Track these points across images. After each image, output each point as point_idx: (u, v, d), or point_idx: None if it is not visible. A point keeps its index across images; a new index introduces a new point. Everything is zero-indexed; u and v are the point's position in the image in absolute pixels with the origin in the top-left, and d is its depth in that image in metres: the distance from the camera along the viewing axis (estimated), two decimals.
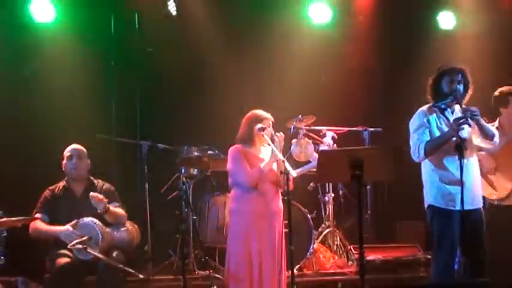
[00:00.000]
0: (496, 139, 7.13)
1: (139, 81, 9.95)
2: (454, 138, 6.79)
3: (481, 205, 7.11)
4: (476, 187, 7.08)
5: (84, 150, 7.87)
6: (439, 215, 7.08)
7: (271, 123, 7.48)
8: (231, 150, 7.44)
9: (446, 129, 6.96)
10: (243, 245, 7.24)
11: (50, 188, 7.78)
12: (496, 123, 7.83)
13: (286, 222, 7.70)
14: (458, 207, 6.86)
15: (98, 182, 7.87)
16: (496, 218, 7.72)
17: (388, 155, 6.92)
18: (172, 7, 9.92)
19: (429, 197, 7.14)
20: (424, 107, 7.14)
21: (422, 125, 7.05)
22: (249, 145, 7.44)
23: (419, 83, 7.26)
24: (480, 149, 7.24)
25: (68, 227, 7.35)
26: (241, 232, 7.28)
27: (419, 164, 7.18)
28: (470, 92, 7.00)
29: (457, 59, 7.60)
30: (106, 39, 9.91)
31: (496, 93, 7.92)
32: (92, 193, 7.44)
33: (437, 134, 7.02)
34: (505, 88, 7.91)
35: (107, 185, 7.89)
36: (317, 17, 10.09)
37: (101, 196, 7.43)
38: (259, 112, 7.51)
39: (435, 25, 10.36)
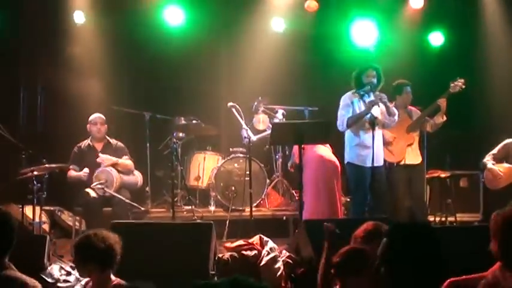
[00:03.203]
0: (396, 117, 7.40)
1: (144, 68, 9.92)
2: (369, 116, 7.04)
3: (382, 163, 7.42)
4: (380, 151, 7.37)
5: (104, 117, 7.98)
6: (354, 170, 7.33)
7: None
8: None
9: (363, 109, 7.20)
10: None
11: (78, 145, 7.90)
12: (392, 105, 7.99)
13: (247, 172, 7.91)
14: (368, 165, 7.12)
15: (113, 141, 7.98)
16: (394, 174, 7.90)
17: (321, 126, 7.18)
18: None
19: (348, 156, 7.38)
20: (349, 92, 7.36)
21: (347, 105, 7.27)
22: None
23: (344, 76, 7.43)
24: (383, 124, 7.47)
25: (86, 171, 7.57)
26: None
27: (343, 133, 7.42)
28: (382, 83, 7.27)
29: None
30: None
31: (394, 84, 8.06)
32: (99, 158, 7.63)
33: (357, 112, 7.26)
34: (400, 80, 8.08)
35: (119, 144, 8.00)
36: (276, 26, 10.02)
37: (105, 158, 7.63)
38: None
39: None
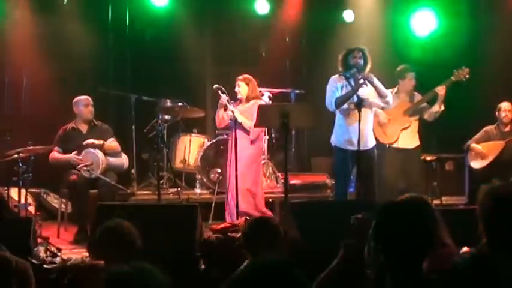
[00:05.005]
0: (389, 99, 7.35)
1: (131, 51, 9.93)
2: (356, 98, 7.03)
3: (371, 146, 7.33)
4: (369, 134, 7.31)
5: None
6: (337, 153, 7.36)
7: None
8: None
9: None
10: None
11: (63, 127, 7.80)
12: (395, 89, 8.04)
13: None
14: (353, 148, 7.11)
15: (98, 123, 7.92)
16: (386, 156, 7.96)
17: (306, 109, 7.20)
18: None
19: (333, 139, 7.39)
20: (336, 75, 7.34)
21: (334, 87, 7.28)
22: None
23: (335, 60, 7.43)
24: (377, 106, 7.47)
25: (73, 155, 7.50)
26: None
27: (332, 116, 7.41)
28: (369, 65, 7.20)
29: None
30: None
31: (398, 68, 8.15)
32: (86, 142, 7.57)
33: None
34: (403, 66, 8.16)
35: (104, 125, 7.95)
36: (260, 9, 10.03)
37: (91, 142, 7.55)
38: None
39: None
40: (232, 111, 7.49)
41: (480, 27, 9.57)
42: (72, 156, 7.56)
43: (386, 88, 7.36)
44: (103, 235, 4.17)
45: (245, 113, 7.65)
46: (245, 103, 7.75)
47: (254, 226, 4.13)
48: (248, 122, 7.56)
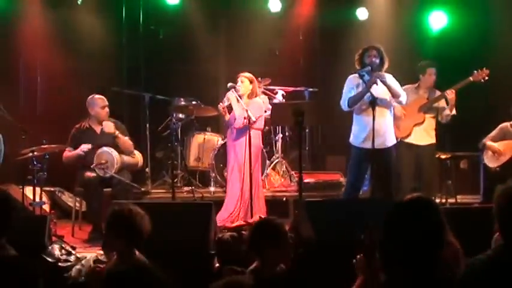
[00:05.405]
0: (402, 98, 7.31)
1: (144, 49, 9.94)
2: (368, 96, 7.00)
3: (390, 145, 7.26)
4: (387, 133, 7.23)
5: None
6: (354, 151, 7.31)
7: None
8: None
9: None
10: None
11: (76, 126, 7.73)
12: (416, 84, 7.99)
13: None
14: (367, 146, 7.07)
15: (112, 121, 7.81)
16: (398, 151, 7.81)
17: (321, 107, 7.19)
18: None
19: (351, 137, 7.37)
20: (352, 75, 7.32)
21: (350, 86, 7.26)
22: None
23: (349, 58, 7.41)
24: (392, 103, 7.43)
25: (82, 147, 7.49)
26: None
27: (347, 114, 7.36)
28: (386, 64, 7.17)
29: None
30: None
31: (419, 64, 8.05)
32: (105, 122, 7.55)
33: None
34: (424, 61, 8.07)
35: (118, 123, 7.85)
36: (273, 7, 10.03)
37: (111, 124, 7.53)
38: None
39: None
40: (246, 110, 7.46)
41: (494, 24, 9.50)
42: (79, 149, 7.52)
43: (403, 85, 7.33)
44: (111, 217, 4.26)
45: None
46: (246, 99, 7.72)
47: (258, 227, 4.15)
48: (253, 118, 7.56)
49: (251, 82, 7.70)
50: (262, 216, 6.27)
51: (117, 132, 7.57)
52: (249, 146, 7.41)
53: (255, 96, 7.76)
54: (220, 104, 7.72)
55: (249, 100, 7.68)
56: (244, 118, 7.46)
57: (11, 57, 9.44)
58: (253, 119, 7.46)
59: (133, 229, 4.13)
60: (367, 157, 7.13)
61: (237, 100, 7.57)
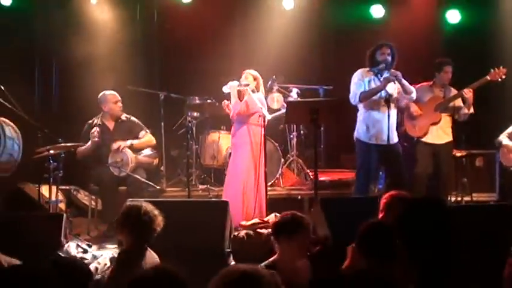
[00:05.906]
0: (413, 95, 7.34)
1: (159, 48, 9.97)
2: (384, 94, 7.01)
3: (397, 141, 7.31)
4: (394, 128, 7.27)
5: None
6: (361, 147, 7.32)
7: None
8: None
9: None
10: None
11: (88, 122, 7.84)
12: (431, 82, 7.93)
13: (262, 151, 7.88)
14: (378, 142, 7.08)
15: (125, 118, 7.91)
16: (415, 149, 7.84)
17: (335, 105, 7.17)
18: None
19: (356, 133, 7.36)
20: (362, 69, 7.32)
21: (360, 80, 7.25)
22: None
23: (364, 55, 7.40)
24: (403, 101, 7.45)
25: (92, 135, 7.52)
26: None
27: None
28: (395, 61, 7.20)
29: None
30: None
31: (435, 61, 7.96)
32: (113, 146, 7.56)
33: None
34: (440, 59, 7.96)
35: (132, 119, 7.93)
36: (287, 5, 10.03)
37: (117, 146, 7.55)
38: None
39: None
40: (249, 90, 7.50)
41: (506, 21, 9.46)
42: (90, 142, 7.57)
43: (418, 83, 7.31)
44: (123, 214, 4.37)
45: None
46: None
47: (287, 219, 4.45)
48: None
49: (255, 79, 7.70)
50: (278, 215, 6.25)
51: (128, 142, 7.62)
52: (264, 142, 7.42)
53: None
54: (225, 100, 7.73)
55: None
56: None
57: (27, 57, 9.49)
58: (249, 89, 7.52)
59: (144, 226, 4.16)
60: (378, 153, 7.13)
61: (240, 90, 7.62)
